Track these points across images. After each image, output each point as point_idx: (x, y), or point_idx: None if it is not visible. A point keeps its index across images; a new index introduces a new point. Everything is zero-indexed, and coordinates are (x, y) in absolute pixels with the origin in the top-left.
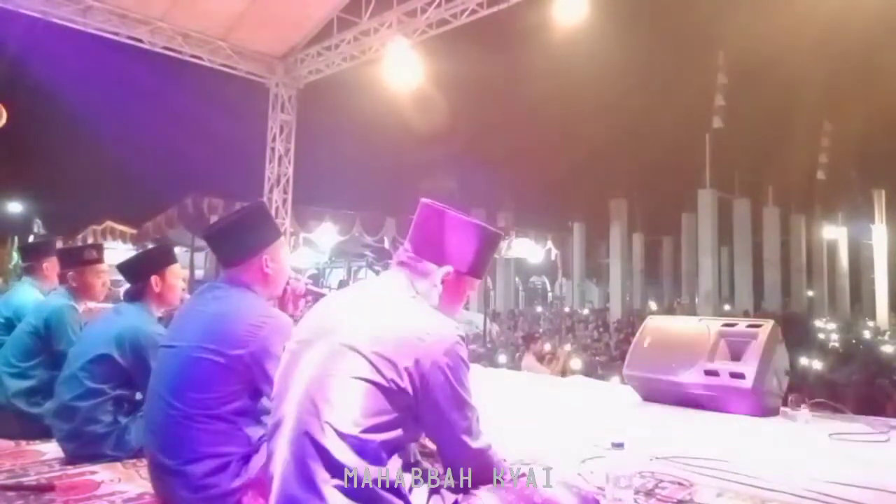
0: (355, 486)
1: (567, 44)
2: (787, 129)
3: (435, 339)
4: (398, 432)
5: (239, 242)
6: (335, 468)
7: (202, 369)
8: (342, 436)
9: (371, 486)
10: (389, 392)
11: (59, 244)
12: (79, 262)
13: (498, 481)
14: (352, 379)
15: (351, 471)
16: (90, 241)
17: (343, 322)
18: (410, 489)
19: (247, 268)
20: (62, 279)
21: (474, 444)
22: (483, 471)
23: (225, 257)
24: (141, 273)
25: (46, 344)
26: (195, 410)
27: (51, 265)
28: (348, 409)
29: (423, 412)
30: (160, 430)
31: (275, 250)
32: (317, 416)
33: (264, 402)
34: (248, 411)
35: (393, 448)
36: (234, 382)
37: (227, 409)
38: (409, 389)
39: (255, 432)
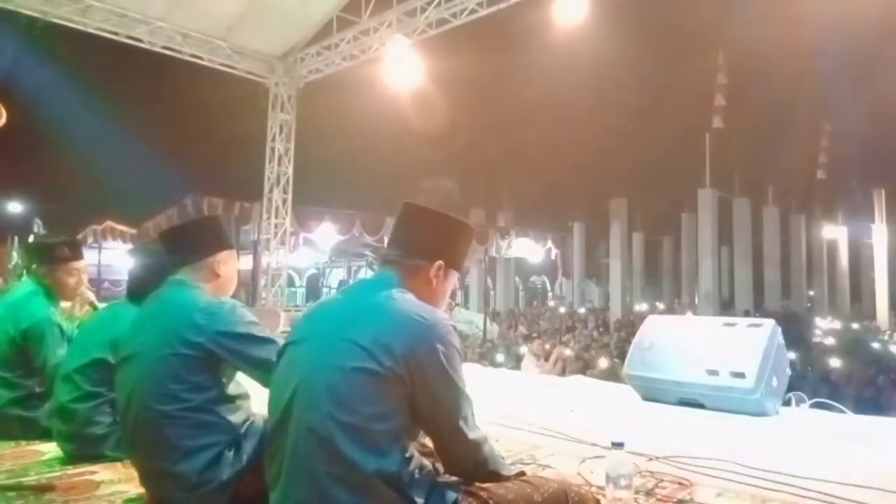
0: (357, 479)
1: (567, 44)
2: (787, 129)
3: (429, 326)
4: (397, 422)
5: (191, 244)
6: (338, 460)
7: (169, 364)
8: (344, 425)
9: (373, 478)
10: (386, 380)
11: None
12: (50, 259)
13: (495, 474)
14: (350, 369)
15: (353, 462)
16: (90, 241)
17: (338, 319)
18: (411, 484)
19: (197, 268)
20: (30, 273)
21: (471, 434)
22: (479, 462)
23: (177, 257)
24: (160, 273)
25: (24, 355)
26: (172, 406)
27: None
28: (349, 398)
29: (419, 400)
30: (143, 436)
31: (227, 256)
32: (317, 408)
33: (242, 385)
34: (224, 398)
35: (393, 438)
36: (202, 370)
37: (203, 398)
38: (406, 376)
39: (238, 418)
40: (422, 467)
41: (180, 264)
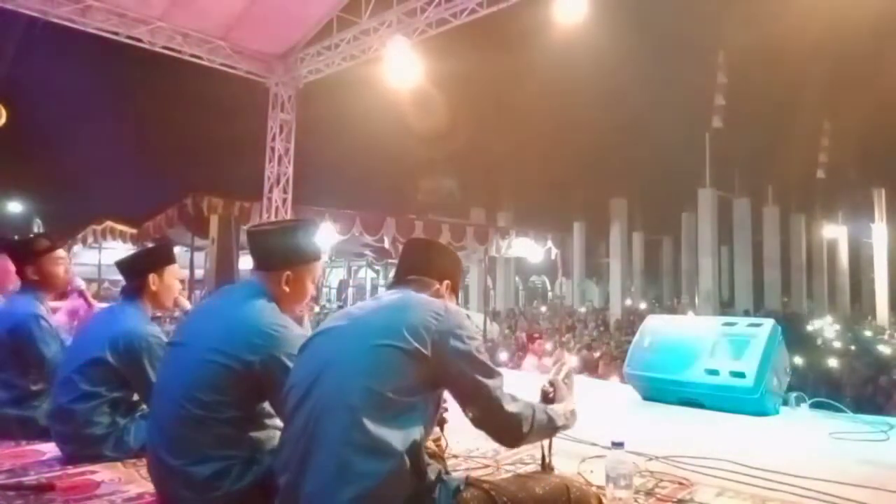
0: (378, 446)
1: (567, 44)
2: (787, 129)
3: (451, 316)
4: (416, 399)
5: (272, 250)
6: (360, 427)
7: (214, 372)
8: (369, 392)
9: (392, 447)
10: (411, 356)
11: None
12: (32, 253)
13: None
14: (378, 345)
15: (374, 429)
16: (90, 240)
17: (364, 311)
18: (426, 461)
19: (271, 277)
20: (22, 276)
21: (508, 407)
22: (523, 433)
23: (257, 260)
24: (139, 270)
25: (16, 355)
26: (204, 412)
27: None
28: (375, 369)
29: (447, 380)
30: (168, 429)
31: (302, 271)
32: (344, 379)
33: (266, 405)
34: (254, 417)
35: (411, 412)
36: (244, 388)
37: (234, 415)
38: (430, 356)
39: (260, 437)
40: (431, 455)
41: (259, 267)
